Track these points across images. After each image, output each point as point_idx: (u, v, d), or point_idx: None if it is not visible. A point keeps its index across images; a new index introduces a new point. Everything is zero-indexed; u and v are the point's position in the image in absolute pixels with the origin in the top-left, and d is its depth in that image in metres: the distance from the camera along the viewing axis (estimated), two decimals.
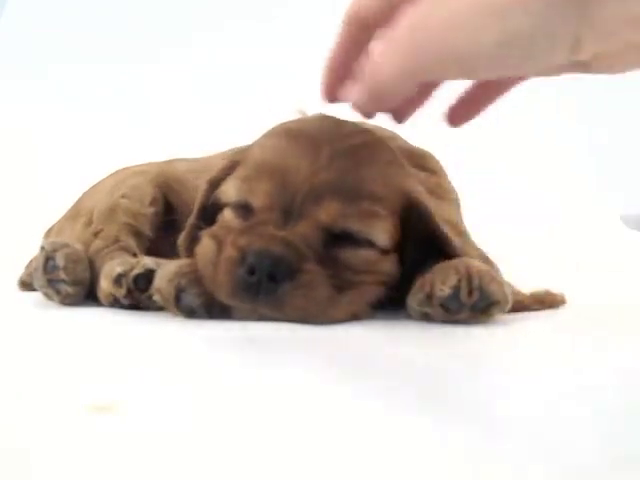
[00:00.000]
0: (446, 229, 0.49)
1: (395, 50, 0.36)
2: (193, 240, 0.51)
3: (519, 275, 0.53)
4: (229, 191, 0.49)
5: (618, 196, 1.58)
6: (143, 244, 0.63)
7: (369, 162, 0.47)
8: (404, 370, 0.34)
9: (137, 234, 0.62)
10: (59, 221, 0.70)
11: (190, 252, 0.51)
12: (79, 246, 0.57)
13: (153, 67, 1.59)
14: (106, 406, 0.26)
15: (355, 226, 0.46)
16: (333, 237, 0.46)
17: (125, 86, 1.57)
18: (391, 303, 0.48)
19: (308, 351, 0.38)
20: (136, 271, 0.51)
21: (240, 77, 1.53)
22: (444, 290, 0.45)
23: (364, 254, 0.47)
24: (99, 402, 0.27)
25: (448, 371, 0.34)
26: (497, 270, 0.51)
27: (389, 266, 0.48)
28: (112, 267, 0.53)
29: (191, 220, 0.53)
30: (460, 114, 0.45)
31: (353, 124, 0.50)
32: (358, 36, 0.41)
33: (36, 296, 0.55)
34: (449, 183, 0.62)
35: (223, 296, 0.45)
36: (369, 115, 0.42)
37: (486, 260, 0.51)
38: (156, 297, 0.48)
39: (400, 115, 0.45)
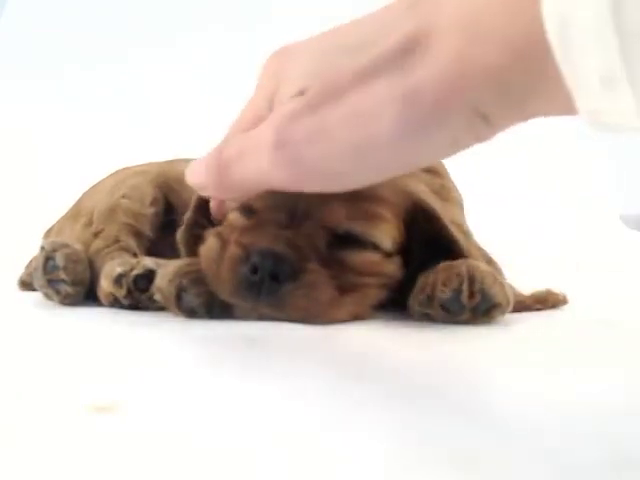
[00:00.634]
0: (453, 230, 0.49)
1: (256, 149, 0.34)
2: (192, 237, 0.51)
3: (519, 275, 0.53)
4: None
5: (618, 196, 1.58)
6: (143, 244, 0.63)
7: None
8: (404, 370, 0.34)
9: (137, 234, 0.62)
10: (59, 221, 0.70)
11: (189, 248, 0.51)
12: (79, 246, 0.57)
13: (153, 67, 1.59)
14: (106, 406, 0.26)
15: (359, 228, 0.46)
16: (337, 238, 0.46)
17: (125, 86, 1.57)
18: (393, 304, 0.48)
19: (308, 351, 0.38)
20: (136, 271, 0.51)
21: (240, 77, 1.53)
22: (445, 292, 0.45)
23: (368, 256, 0.47)
24: (99, 402, 0.27)
25: (448, 371, 0.34)
26: (500, 270, 0.51)
27: (392, 269, 0.48)
28: (112, 267, 0.53)
29: (188, 215, 0.53)
30: None
31: None
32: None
33: (36, 296, 0.55)
34: (452, 184, 0.63)
35: (225, 294, 0.45)
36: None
37: (489, 261, 0.51)
38: (157, 297, 0.48)
39: None
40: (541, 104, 0.28)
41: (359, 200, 0.46)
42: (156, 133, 1.45)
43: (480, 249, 0.52)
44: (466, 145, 0.31)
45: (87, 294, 0.55)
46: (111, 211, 0.63)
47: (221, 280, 0.44)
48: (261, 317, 0.44)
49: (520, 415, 0.27)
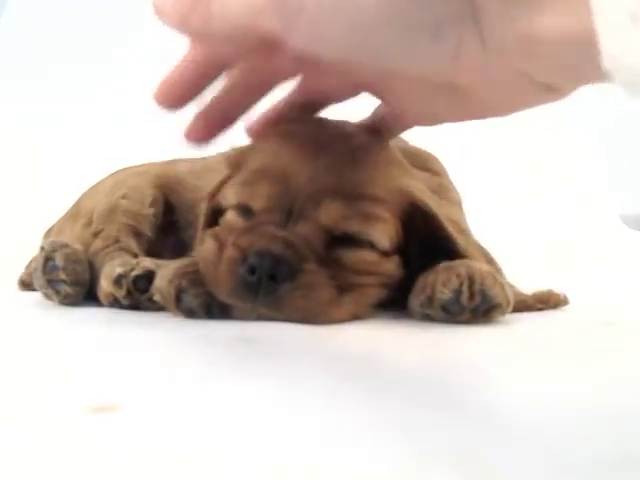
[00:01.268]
0: (450, 229, 0.49)
1: None
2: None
3: (519, 275, 0.53)
4: (229, 196, 0.49)
5: (618, 196, 1.58)
6: (143, 245, 0.63)
7: (370, 163, 0.47)
8: (404, 370, 0.34)
9: (137, 235, 0.62)
10: (59, 221, 0.70)
11: None
12: (79, 246, 0.57)
13: (153, 67, 1.59)
14: (106, 406, 0.26)
15: (356, 228, 0.46)
16: (334, 239, 0.46)
17: (125, 86, 1.57)
18: (392, 304, 0.48)
19: (307, 351, 0.38)
20: (136, 272, 0.51)
21: None
22: (445, 293, 0.45)
23: (365, 256, 0.47)
24: (99, 402, 0.27)
25: (448, 371, 0.34)
26: (500, 270, 0.51)
27: (390, 268, 0.48)
28: (112, 267, 0.53)
29: (199, 235, 0.53)
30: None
31: (352, 125, 0.50)
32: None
33: (36, 296, 0.55)
34: (451, 183, 0.63)
35: (223, 295, 0.45)
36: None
37: (489, 260, 0.51)
38: (156, 297, 0.48)
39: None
40: (549, 17, 0.26)
41: (356, 200, 0.46)
42: (156, 133, 1.45)
43: (480, 248, 0.52)
44: (463, 52, 0.28)
45: (87, 294, 0.55)
46: (111, 211, 0.63)
47: (219, 281, 0.44)
48: (259, 317, 0.44)
49: (520, 415, 0.27)
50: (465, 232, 0.53)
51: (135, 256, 0.58)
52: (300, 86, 0.43)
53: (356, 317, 0.46)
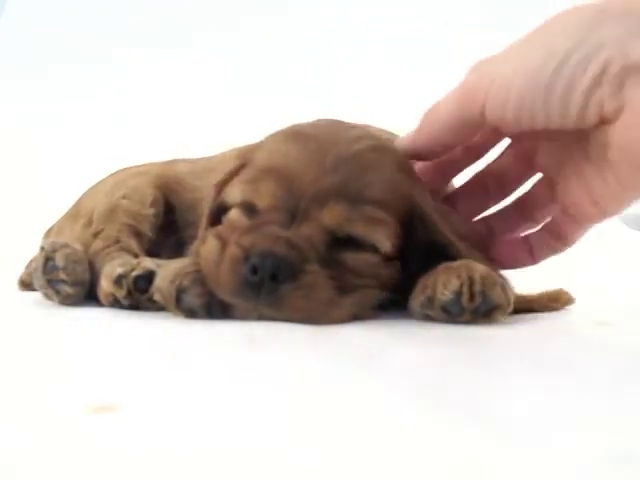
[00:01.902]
0: (450, 235, 0.48)
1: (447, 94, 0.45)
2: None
3: (519, 275, 0.53)
4: (234, 193, 0.49)
5: None
6: (143, 245, 0.63)
7: (375, 167, 0.47)
8: (404, 370, 0.34)
9: (137, 235, 0.62)
10: (59, 221, 0.70)
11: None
12: (79, 246, 0.57)
13: (153, 67, 1.59)
14: (106, 406, 0.26)
15: (359, 231, 0.46)
16: (337, 240, 0.46)
17: (125, 86, 1.57)
18: (393, 305, 0.48)
19: (308, 351, 0.38)
20: (136, 272, 0.51)
21: (240, 77, 1.53)
22: (445, 294, 0.45)
23: (367, 258, 0.47)
24: (99, 402, 0.27)
25: (448, 371, 0.34)
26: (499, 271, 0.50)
27: (391, 271, 0.48)
28: (113, 267, 0.53)
29: (202, 228, 0.53)
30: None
31: (359, 128, 0.49)
32: None
33: (36, 296, 0.55)
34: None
35: (225, 294, 0.45)
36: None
37: (491, 259, 0.50)
38: (157, 297, 0.48)
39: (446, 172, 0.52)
40: None
41: (360, 203, 0.46)
42: (156, 133, 1.45)
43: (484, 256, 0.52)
44: None
45: (87, 294, 0.55)
46: (111, 211, 0.63)
47: (221, 280, 0.44)
48: (260, 317, 0.44)
49: (520, 415, 0.27)
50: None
51: (135, 256, 0.58)
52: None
53: (357, 318, 0.46)
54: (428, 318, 0.46)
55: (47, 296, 0.54)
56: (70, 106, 1.54)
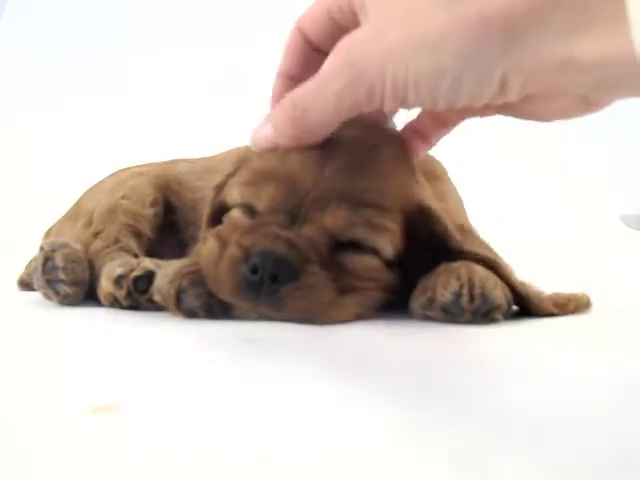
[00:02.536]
0: (458, 237, 0.48)
1: (332, 78, 0.38)
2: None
3: (519, 276, 0.53)
4: (234, 194, 0.49)
5: (618, 196, 1.59)
6: (143, 245, 0.63)
7: (380, 170, 0.47)
8: (405, 369, 0.34)
9: (137, 235, 0.62)
10: (58, 221, 0.70)
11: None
12: (78, 246, 0.57)
13: (153, 67, 1.59)
14: (106, 406, 0.26)
15: (362, 235, 0.46)
16: (338, 243, 0.46)
17: (125, 86, 1.57)
18: (393, 306, 0.48)
19: (308, 351, 0.38)
20: (136, 273, 0.51)
21: (240, 77, 1.53)
22: (445, 295, 0.45)
23: (368, 261, 0.47)
24: (99, 402, 0.27)
25: (449, 370, 0.34)
26: (506, 267, 0.49)
27: (392, 276, 0.48)
28: (113, 268, 0.53)
29: (203, 230, 0.53)
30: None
31: (363, 130, 0.49)
32: (304, 50, 0.44)
33: (36, 296, 0.55)
34: (453, 187, 0.63)
35: (224, 294, 0.45)
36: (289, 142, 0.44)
37: (494, 261, 0.50)
38: (157, 297, 0.48)
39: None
40: (588, 41, 0.30)
41: (363, 208, 0.45)
42: (156, 133, 1.45)
43: (485, 246, 0.51)
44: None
45: (87, 294, 0.55)
46: (111, 212, 0.63)
47: (221, 280, 0.44)
48: (260, 317, 0.44)
49: (520, 415, 0.27)
50: (468, 232, 0.52)
51: (135, 256, 0.58)
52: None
53: (357, 318, 0.46)
54: (429, 319, 0.46)
55: (47, 296, 0.54)
56: (70, 106, 1.54)
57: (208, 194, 0.54)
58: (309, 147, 0.45)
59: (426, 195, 0.50)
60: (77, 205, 0.70)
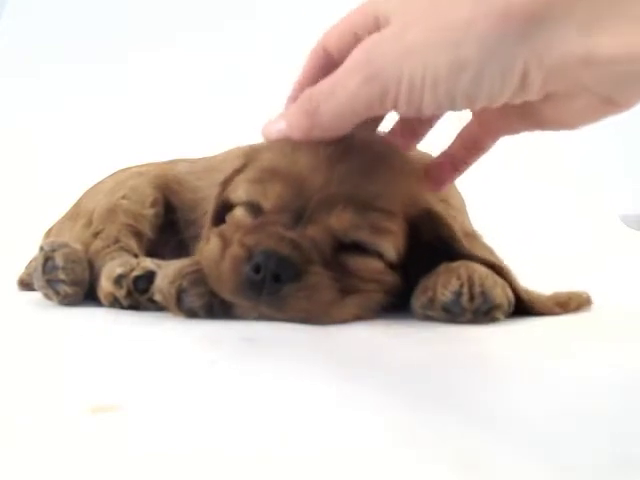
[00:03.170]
0: (463, 239, 0.48)
1: (348, 75, 0.39)
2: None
3: (519, 276, 0.53)
4: (239, 191, 0.49)
5: (618, 196, 1.58)
6: (143, 245, 0.63)
7: (385, 174, 0.47)
8: (405, 369, 0.34)
9: (137, 235, 0.62)
10: (58, 221, 0.70)
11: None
12: (78, 246, 0.57)
13: (153, 67, 1.59)
14: (106, 406, 0.26)
15: (366, 237, 0.46)
16: (342, 244, 0.46)
17: (125, 86, 1.57)
18: (393, 307, 0.48)
19: (309, 351, 0.38)
20: (136, 272, 0.51)
21: (239, 77, 1.53)
22: (446, 295, 0.45)
23: (371, 263, 0.47)
24: (99, 402, 0.27)
25: (449, 370, 0.34)
26: (510, 272, 0.49)
27: (394, 279, 0.48)
28: (113, 267, 0.53)
29: (208, 226, 0.53)
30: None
31: (370, 134, 0.49)
32: (326, 65, 0.44)
33: (36, 296, 0.55)
34: (456, 189, 0.62)
35: (226, 293, 0.45)
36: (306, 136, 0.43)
37: (498, 267, 0.49)
38: (157, 297, 0.48)
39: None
40: (608, 38, 0.30)
41: (368, 211, 0.45)
42: (156, 133, 1.45)
43: (487, 248, 0.51)
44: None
45: (87, 294, 0.55)
46: (111, 212, 0.63)
47: (222, 278, 0.44)
48: (261, 317, 0.44)
49: (520, 415, 0.27)
50: (471, 234, 0.52)
51: (135, 256, 0.58)
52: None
53: (358, 319, 0.46)
54: (429, 319, 0.46)
55: (47, 296, 0.54)
56: (70, 106, 1.54)
57: (210, 192, 0.54)
58: (319, 147, 0.45)
59: (435, 200, 0.50)
60: (77, 205, 0.70)
